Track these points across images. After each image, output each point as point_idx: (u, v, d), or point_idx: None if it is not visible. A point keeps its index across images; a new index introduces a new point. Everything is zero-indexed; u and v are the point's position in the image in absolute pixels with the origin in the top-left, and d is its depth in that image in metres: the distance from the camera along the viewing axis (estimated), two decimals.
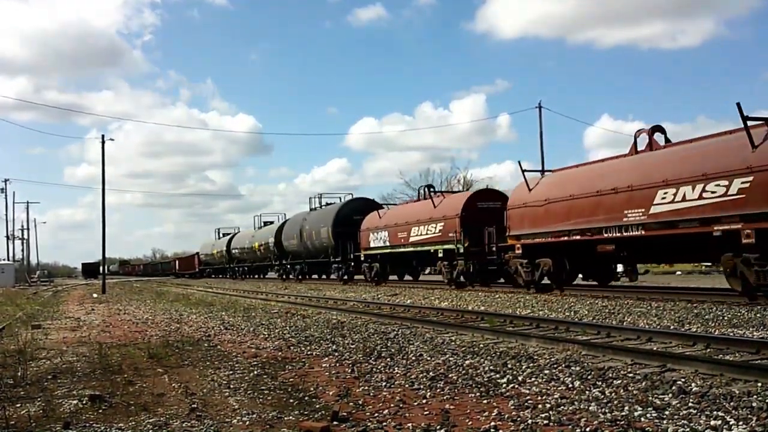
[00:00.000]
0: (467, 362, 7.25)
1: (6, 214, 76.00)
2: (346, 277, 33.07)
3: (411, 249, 26.37)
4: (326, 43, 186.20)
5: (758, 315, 10.96)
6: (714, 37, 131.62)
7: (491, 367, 6.86)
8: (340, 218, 32.96)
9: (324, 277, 40.45)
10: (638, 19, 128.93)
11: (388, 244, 27.97)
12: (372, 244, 29.39)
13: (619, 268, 23.88)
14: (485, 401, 5.41)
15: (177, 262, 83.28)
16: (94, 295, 30.34)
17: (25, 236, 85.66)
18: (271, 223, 49.90)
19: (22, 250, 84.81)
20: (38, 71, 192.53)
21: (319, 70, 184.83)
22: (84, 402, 5.75)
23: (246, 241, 51.78)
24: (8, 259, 68.89)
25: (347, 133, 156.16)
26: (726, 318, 10.84)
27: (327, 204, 40.03)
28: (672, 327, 10.04)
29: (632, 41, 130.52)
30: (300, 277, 40.71)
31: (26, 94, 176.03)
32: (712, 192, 13.21)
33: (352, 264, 32.00)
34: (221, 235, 63.48)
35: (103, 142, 36.90)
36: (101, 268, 51.71)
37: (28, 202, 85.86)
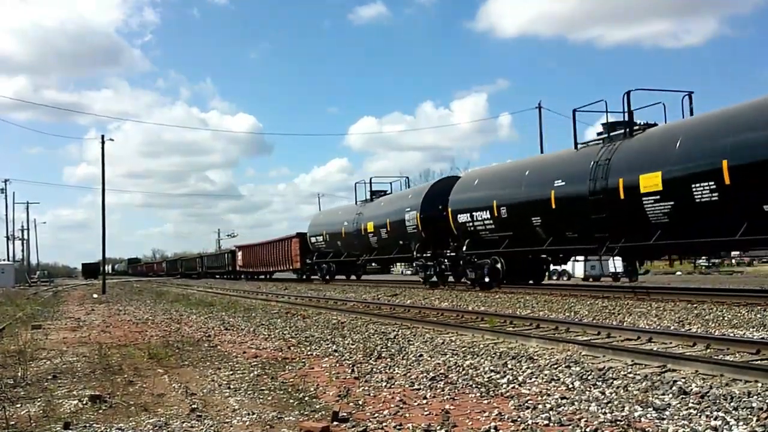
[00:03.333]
0: (467, 362, 7.25)
1: (6, 215, 75.85)
2: None
3: None
4: (326, 43, 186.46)
5: (758, 315, 10.95)
6: (717, 35, 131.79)
7: (491, 368, 6.86)
8: None
9: None
10: (640, 17, 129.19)
11: None
12: None
13: (619, 267, 23.79)
14: (485, 401, 5.41)
15: (240, 253, 51.23)
16: (95, 296, 30.34)
17: (25, 236, 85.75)
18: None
19: (22, 251, 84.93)
20: (37, 70, 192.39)
21: (319, 70, 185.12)
22: (84, 402, 5.76)
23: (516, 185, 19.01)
24: (8, 260, 68.84)
25: (347, 133, 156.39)
26: (726, 318, 10.84)
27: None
28: (672, 327, 10.03)
29: (635, 40, 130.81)
30: None
31: (25, 93, 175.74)
32: None
33: None
34: (369, 196, 30.92)
35: (102, 142, 36.99)
36: (102, 268, 51.59)
37: (27, 203, 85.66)
